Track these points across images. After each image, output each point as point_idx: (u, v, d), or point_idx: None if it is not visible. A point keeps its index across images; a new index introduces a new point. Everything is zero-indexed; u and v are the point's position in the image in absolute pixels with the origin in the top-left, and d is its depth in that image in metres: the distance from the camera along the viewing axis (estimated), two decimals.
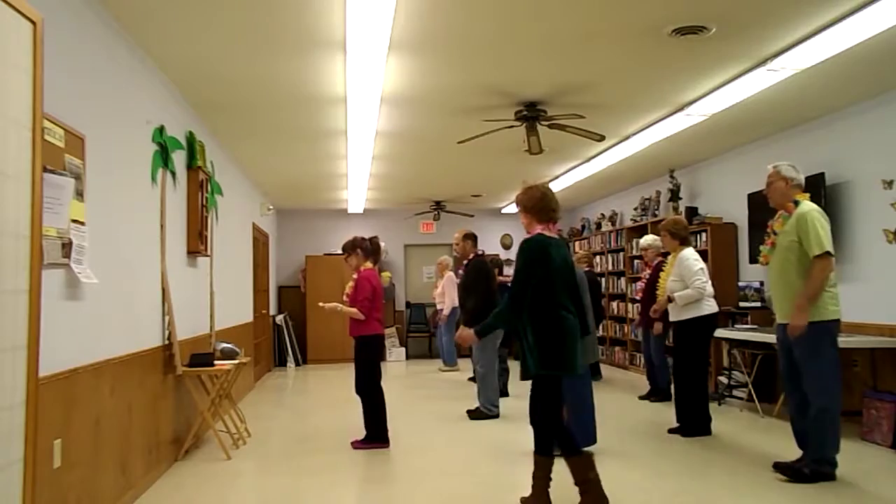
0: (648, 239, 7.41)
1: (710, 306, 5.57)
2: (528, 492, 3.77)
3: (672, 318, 5.76)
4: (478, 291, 6.33)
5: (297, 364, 11.57)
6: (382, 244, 12.27)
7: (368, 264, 5.56)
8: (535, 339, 3.69)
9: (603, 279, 10.44)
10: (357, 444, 5.34)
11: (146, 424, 4.32)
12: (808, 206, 4.26)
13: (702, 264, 5.62)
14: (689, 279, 5.52)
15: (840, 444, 4.22)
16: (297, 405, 8.00)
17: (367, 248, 5.59)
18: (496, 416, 6.36)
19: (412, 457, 5.12)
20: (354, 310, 5.33)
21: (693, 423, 5.50)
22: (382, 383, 5.48)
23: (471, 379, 7.95)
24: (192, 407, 5.23)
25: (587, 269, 9.17)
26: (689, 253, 5.69)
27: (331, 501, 4.26)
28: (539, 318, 3.69)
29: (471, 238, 6.71)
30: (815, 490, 4.06)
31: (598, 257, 10.77)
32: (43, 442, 2.65)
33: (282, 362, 11.49)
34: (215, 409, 5.33)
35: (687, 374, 5.53)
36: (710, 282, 5.65)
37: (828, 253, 4.11)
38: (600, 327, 9.73)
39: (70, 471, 3.16)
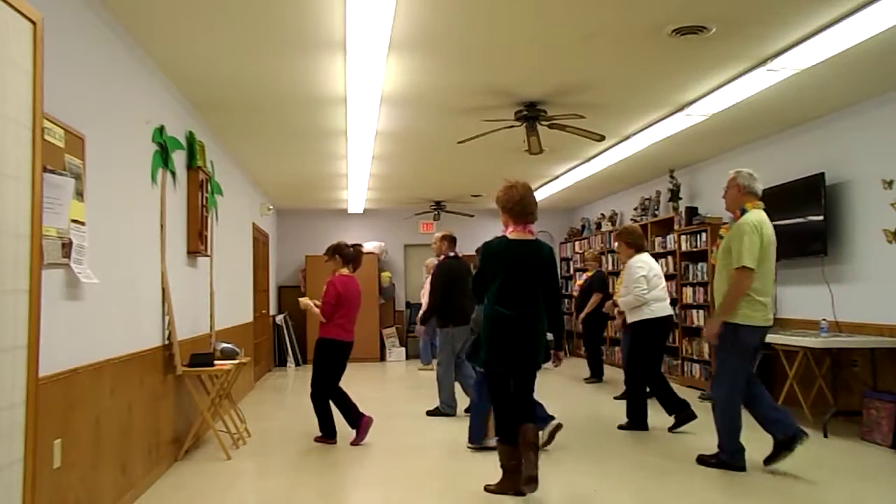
0: None
1: (653, 311, 5.75)
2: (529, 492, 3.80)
3: (628, 321, 5.96)
4: (434, 291, 6.59)
5: (297, 364, 11.57)
6: (382, 244, 12.40)
7: (344, 270, 5.67)
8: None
9: None
10: (356, 442, 5.40)
11: (146, 424, 4.32)
12: (748, 216, 4.38)
13: (645, 271, 5.79)
14: (629, 286, 5.77)
15: (737, 436, 4.43)
16: (297, 405, 7.99)
17: (348, 255, 5.70)
18: (453, 414, 6.55)
19: (412, 457, 5.12)
20: (317, 311, 5.53)
21: (635, 418, 5.79)
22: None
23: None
24: (192, 407, 5.23)
25: (597, 269, 9.20)
26: (635, 260, 5.89)
27: (330, 501, 4.26)
28: (484, 317, 4.02)
29: (448, 239, 6.81)
30: (813, 490, 4.06)
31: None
32: (43, 442, 2.65)
33: (282, 362, 11.49)
34: (215, 409, 5.33)
35: (633, 373, 5.84)
36: (661, 287, 5.85)
37: (745, 267, 4.24)
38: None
39: (70, 471, 3.16)
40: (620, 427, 5.83)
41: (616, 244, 6.31)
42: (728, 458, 4.46)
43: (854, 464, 4.52)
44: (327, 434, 5.51)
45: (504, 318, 3.90)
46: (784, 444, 4.33)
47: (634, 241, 5.97)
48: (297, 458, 5.10)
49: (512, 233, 4.03)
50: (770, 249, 4.37)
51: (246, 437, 5.66)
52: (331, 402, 5.53)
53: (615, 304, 6.07)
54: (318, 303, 5.63)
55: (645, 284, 5.73)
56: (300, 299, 5.88)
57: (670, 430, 5.66)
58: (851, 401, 5.68)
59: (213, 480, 4.54)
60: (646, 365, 5.79)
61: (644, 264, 5.87)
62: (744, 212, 4.42)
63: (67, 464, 3.12)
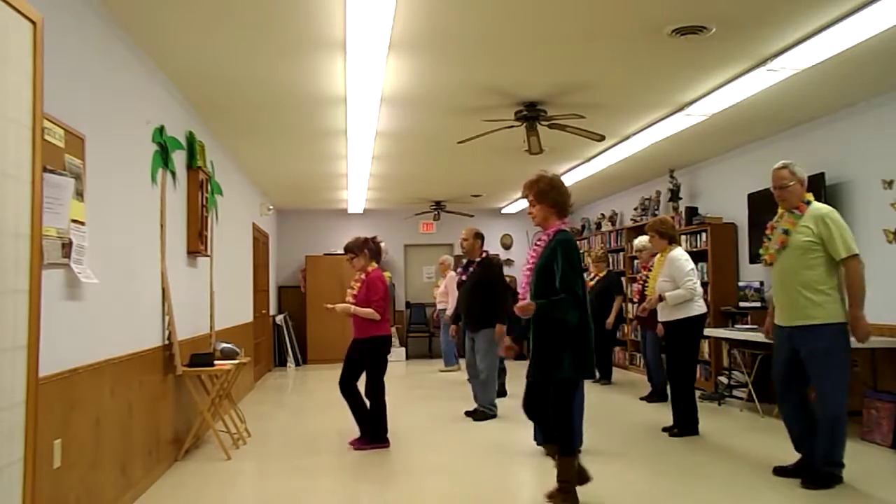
0: (643, 240, 7.34)
1: (700, 307, 5.61)
2: (527, 492, 3.78)
3: (662, 319, 5.75)
4: (494, 290, 6.31)
5: (297, 364, 11.58)
6: (382, 244, 12.37)
7: (374, 265, 5.52)
8: (565, 342, 3.63)
9: None
10: (357, 445, 5.32)
11: (146, 424, 4.32)
12: (823, 206, 4.24)
13: (692, 265, 5.65)
14: (680, 280, 5.54)
15: (845, 444, 4.17)
16: (297, 405, 8.00)
17: (373, 249, 5.55)
18: (495, 415, 6.39)
19: (412, 457, 5.12)
20: (370, 310, 5.28)
21: (686, 423, 5.54)
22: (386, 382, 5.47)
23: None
24: (192, 407, 5.23)
25: (608, 269, 9.02)
26: (680, 253, 5.71)
27: (331, 502, 4.26)
28: (575, 320, 3.63)
29: (480, 237, 6.64)
30: (814, 491, 4.05)
31: None
32: (43, 442, 2.65)
33: (282, 362, 11.50)
34: (215, 409, 5.33)
35: (678, 374, 5.58)
36: (699, 282, 5.68)
37: (857, 254, 4.09)
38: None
39: (70, 471, 3.16)
40: (670, 433, 5.55)
41: (648, 236, 6.10)
42: (839, 471, 4.16)
43: (854, 464, 4.51)
44: (378, 437, 5.30)
45: (588, 321, 3.70)
46: (802, 474, 4.18)
47: (667, 232, 5.77)
48: (297, 459, 5.10)
49: (562, 226, 3.75)
50: None
51: (246, 437, 5.66)
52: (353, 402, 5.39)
53: (661, 299, 5.68)
54: (350, 306, 5.38)
55: (695, 278, 5.56)
56: (336, 306, 5.42)
57: (664, 429, 5.63)
58: (851, 401, 5.64)
59: (213, 480, 4.54)
60: (688, 365, 5.60)
61: (689, 257, 5.72)
62: (808, 203, 4.24)
63: (67, 464, 3.12)
